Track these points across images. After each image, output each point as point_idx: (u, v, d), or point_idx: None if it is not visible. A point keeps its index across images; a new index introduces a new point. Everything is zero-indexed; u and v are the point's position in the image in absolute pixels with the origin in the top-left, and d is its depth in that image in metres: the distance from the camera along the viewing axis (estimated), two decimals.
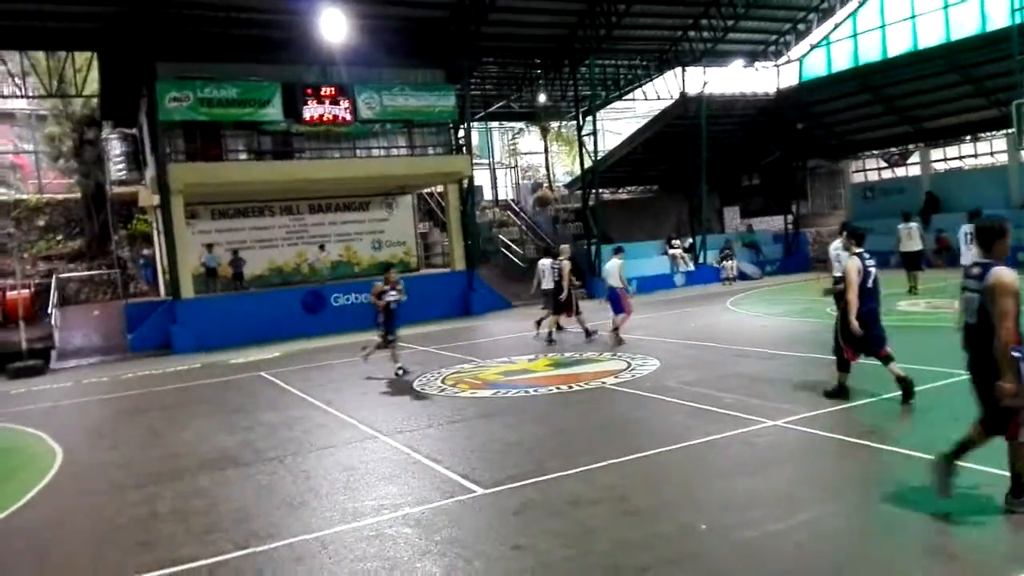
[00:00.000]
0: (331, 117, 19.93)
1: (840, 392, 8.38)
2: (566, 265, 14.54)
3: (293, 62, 19.84)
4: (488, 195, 33.29)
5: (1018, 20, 19.06)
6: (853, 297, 7.77)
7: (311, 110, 19.66)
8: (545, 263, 15.26)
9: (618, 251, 14.70)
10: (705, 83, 25.68)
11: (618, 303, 14.10)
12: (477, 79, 26.23)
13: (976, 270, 4.99)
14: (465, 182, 22.53)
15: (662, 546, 4.96)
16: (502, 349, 14.58)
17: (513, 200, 32.65)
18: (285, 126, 19.89)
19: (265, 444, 8.46)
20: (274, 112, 19.34)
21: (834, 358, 8.47)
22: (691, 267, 26.26)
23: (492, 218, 29.56)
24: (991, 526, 4.89)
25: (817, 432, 7.21)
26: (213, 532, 5.81)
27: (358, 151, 21.47)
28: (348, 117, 20.11)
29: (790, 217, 28.85)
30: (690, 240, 27.34)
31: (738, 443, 7.11)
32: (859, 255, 7.97)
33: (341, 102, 19.98)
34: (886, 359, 8.08)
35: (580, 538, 5.14)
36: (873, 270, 7.98)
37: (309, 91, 19.69)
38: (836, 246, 11.56)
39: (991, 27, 21.22)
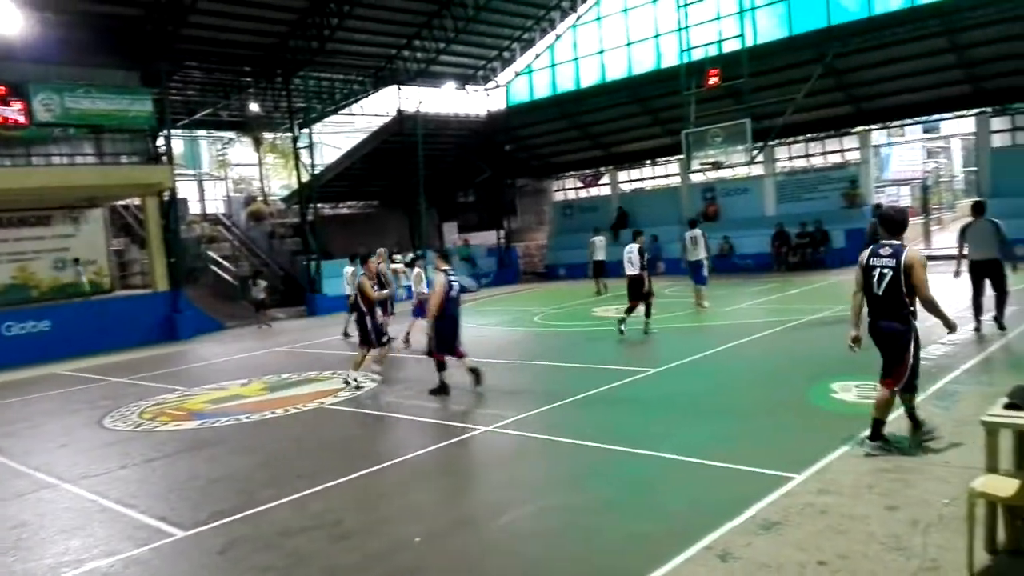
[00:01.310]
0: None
1: (441, 389, 9.68)
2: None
3: None
4: (195, 209, 31.01)
5: (686, 60, 22.01)
6: (435, 303, 9.40)
7: None
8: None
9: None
10: (420, 102, 26.33)
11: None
12: (179, 84, 24.36)
13: (887, 251, 6.00)
14: (167, 194, 20.73)
15: (375, 566, 4.93)
16: (212, 375, 13.61)
17: (224, 214, 30.73)
18: None
19: None
20: None
21: (541, 363, 9.12)
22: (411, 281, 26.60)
23: (200, 233, 27.53)
24: (670, 506, 5.53)
25: (525, 434, 7.67)
26: None
27: (34, 158, 18.85)
28: (21, 120, 17.60)
29: (502, 232, 30.56)
30: (411, 255, 27.72)
31: (453, 452, 7.33)
32: (445, 271, 9.58)
33: (12, 103, 17.44)
34: (461, 356, 9.74)
35: (289, 569, 4.94)
36: (456, 284, 9.64)
37: None
38: (630, 249, 13.75)
39: (665, 64, 24.30)
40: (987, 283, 10.78)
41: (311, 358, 14.43)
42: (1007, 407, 4.36)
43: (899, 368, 6.05)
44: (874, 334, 6.16)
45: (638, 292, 13.56)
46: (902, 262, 5.88)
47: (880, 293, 6.00)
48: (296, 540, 5.41)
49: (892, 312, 5.99)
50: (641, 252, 13.66)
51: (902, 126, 26.15)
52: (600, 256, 21.42)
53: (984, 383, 7.82)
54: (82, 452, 8.67)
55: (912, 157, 30.40)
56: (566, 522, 5.46)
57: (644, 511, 5.49)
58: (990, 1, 18.36)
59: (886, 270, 5.95)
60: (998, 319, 10.70)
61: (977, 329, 10.70)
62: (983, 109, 21.66)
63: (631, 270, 13.63)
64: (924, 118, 24.23)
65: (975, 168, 24.86)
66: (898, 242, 6.07)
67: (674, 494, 5.80)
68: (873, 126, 24.14)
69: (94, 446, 8.90)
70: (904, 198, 29.74)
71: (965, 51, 20.25)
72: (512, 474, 6.74)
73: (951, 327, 6.16)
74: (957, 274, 11.04)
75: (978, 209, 11.08)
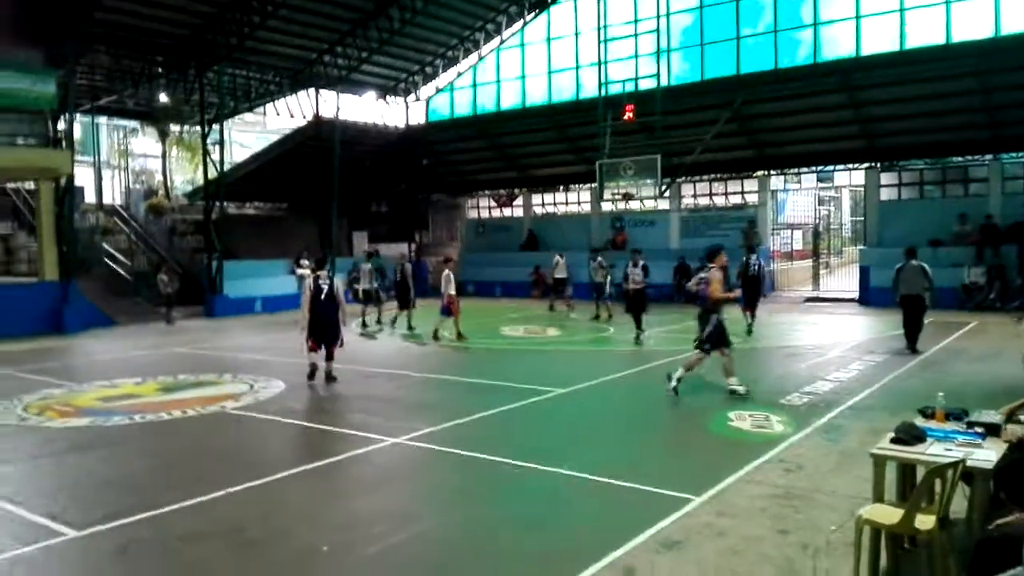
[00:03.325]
0: None
1: (310, 375, 11.06)
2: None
3: None
4: (91, 198, 29.48)
5: (605, 93, 22.69)
6: (305, 303, 10.99)
7: None
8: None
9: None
10: (339, 109, 26.06)
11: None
12: (86, 67, 23.24)
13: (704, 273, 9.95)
14: (63, 180, 19.69)
15: (281, 575, 4.86)
16: (103, 371, 12.94)
17: (122, 206, 29.32)
18: None
19: None
20: None
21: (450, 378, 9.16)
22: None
23: (95, 223, 26.18)
24: (574, 524, 5.70)
25: (434, 447, 7.70)
26: None
27: None
28: None
29: (413, 245, 30.46)
30: (314, 259, 27.25)
31: (360, 462, 7.28)
32: (316, 278, 11.20)
33: None
34: (328, 358, 11.22)
35: None
36: (325, 287, 11.05)
37: None
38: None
39: (584, 95, 24.95)
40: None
41: (210, 360, 13.97)
42: (894, 441, 4.74)
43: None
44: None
45: (638, 305, 15.74)
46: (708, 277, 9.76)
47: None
48: (197, 546, 5.26)
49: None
50: (644, 270, 16.13)
51: (799, 173, 27.74)
52: (562, 274, 21.68)
53: (866, 418, 8.38)
54: None
55: (806, 203, 32.19)
56: (471, 535, 5.54)
57: (549, 527, 5.62)
58: (887, 64, 19.85)
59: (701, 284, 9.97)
60: (914, 341, 12.82)
61: (911, 349, 12.78)
62: (873, 164, 23.27)
63: (631, 285, 15.92)
64: (820, 167, 25.81)
65: (863, 218, 26.61)
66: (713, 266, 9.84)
67: (579, 511, 5.96)
68: (772, 171, 25.51)
69: None
70: (796, 241, 31.43)
71: (861, 108, 21.77)
72: (419, 486, 6.77)
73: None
74: (898, 302, 13.11)
75: (911, 254, 12.84)
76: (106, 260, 23.76)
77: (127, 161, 32.30)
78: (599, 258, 19.66)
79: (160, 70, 24.10)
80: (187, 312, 22.36)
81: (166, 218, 27.49)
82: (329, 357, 11.27)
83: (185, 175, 32.98)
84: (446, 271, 16.09)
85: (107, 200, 30.35)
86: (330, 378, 11.16)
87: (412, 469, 7.26)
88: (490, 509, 6.06)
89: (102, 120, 31.20)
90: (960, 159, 22.25)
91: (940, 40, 19.25)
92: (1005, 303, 18.40)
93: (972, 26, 18.91)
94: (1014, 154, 21.19)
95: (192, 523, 5.68)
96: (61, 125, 19.96)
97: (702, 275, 10.10)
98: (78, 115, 25.40)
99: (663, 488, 6.19)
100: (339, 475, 6.95)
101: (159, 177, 31.77)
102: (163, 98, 27.48)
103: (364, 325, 18.79)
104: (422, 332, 17.09)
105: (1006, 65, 18.71)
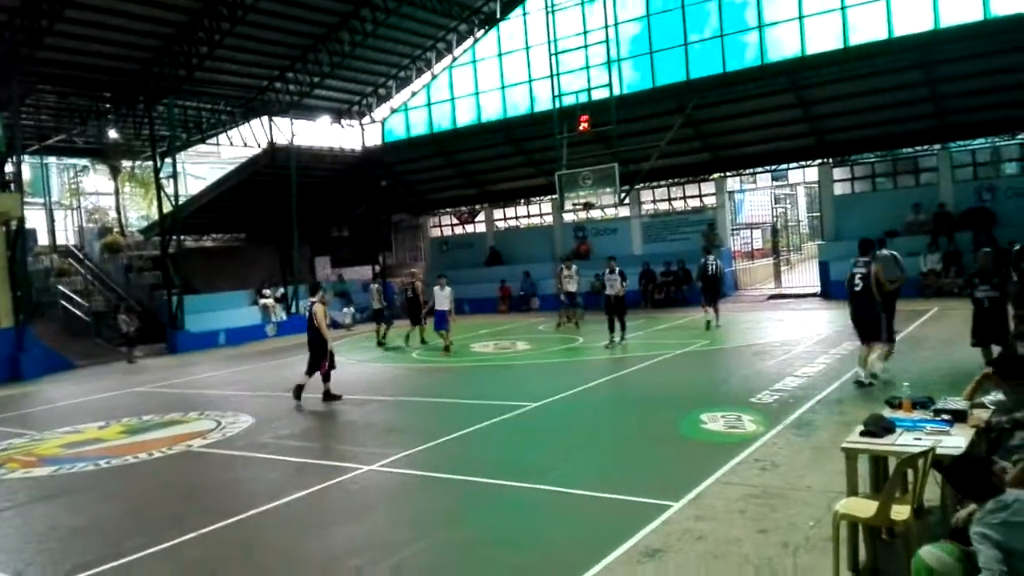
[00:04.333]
0: None
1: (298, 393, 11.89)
2: None
3: None
4: (44, 240, 28.84)
5: (559, 105, 22.83)
6: (324, 328, 11.99)
7: None
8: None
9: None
10: (293, 135, 25.87)
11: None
12: (31, 108, 22.79)
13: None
14: (14, 224, 19.23)
15: None
16: (65, 417, 12.60)
17: (76, 246, 28.72)
18: None
19: None
20: None
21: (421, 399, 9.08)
22: (283, 316, 25.90)
23: (50, 266, 25.61)
24: (554, 539, 5.65)
25: (409, 471, 7.62)
26: None
27: None
28: None
29: (378, 267, 30.27)
30: (282, 289, 26.98)
31: (335, 493, 7.16)
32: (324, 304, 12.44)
33: None
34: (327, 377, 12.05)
35: None
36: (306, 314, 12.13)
37: None
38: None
39: (539, 108, 25.07)
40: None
41: (174, 398, 13.70)
42: (863, 434, 4.80)
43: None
44: None
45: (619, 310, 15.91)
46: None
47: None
48: None
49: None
50: (622, 275, 16.05)
51: (754, 173, 28.13)
52: (572, 287, 19.92)
53: (836, 412, 8.49)
54: None
55: (762, 202, 32.68)
56: (454, 559, 5.47)
57: (530, 544, 5.58)
58: (832, 61, 20.29)
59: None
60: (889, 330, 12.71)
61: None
62: (825, 160, 23.70)
63: (611, 291, 15.93)
64: (773, 167, 26.21)
65: (818, 213, 27.07)
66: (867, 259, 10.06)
67: (559, 526, 5.93)
68: (728, 173, 25.85)
69: None
70: (756, 240, 31.89)
71: (810, 107, 22.18)
72: (397, 513, 6.67)
73: None
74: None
75: (881, 243, 13.08)
76: (62, 302, 23.23)
77: (79, 200, 31.65)
78: (574, 266, 19.60)
79: (108, 106, 23.73)
80: (149, 350, 21.94)
81: (122, 255, 26.97)
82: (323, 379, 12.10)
83: (139, 211, 32.42)
84: (448, 289, 17.37)
85: (60, 241, 29.74)
86: (296, 392, 12.05)
87: (388, 496, 7.16)
88: (468, 531, 6.00)
89: (51, 160, 30.58)
90: (910, 150, 22.74)
91: (883, 35, 19.71)
92: (963, 289, 18.80)
93: (913, 20, 19.37)
94: (961, 142, 21.73)
95: (164, 569, 5.55)
96: (9, 168, 19.51)
97: (860, 270, 10.04)
98: (26, 156, 24.91)
99: (640, 496, 6.20)
100: (314, 508, 6.83)
101: (113, 214, 31.17)
102: (113, 134, 27.05)
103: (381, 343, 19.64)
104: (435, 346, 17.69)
105: (948, 56, 19.20)
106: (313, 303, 12.51)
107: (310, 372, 12.20)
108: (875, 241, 12.84)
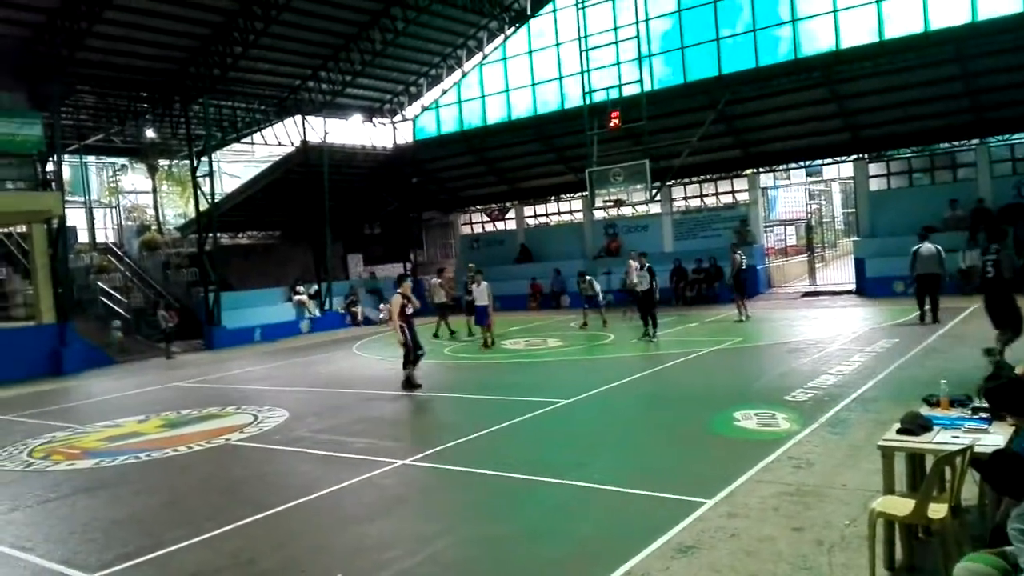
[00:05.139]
0: None
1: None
2: None
3: None
4: (84, 237, 29.49)
5: (589, 102, 22.78)
6: (396, 318, 11.92)
7: None
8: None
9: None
10: (326, 133, 26.14)
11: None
12: (70, 108, 23.32)
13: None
14: (55, 222, 19.70)
15: None
16: (106, 411, 12.92)
17: (115, 243, 29.34)
18: None
19: None
20: None
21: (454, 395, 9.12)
22: (317, 313, 26.21)
23: (89, 263, 26.17)
24: (587, 535, 5.68)
25: (442, 466, 7.69)
26: None
27: None
28: None
29: (409, 265, 30.46)
30: (316, 287, 27.31)
31: (368, 487, 7.25)
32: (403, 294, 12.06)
33: None
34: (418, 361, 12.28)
35: None
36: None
37: None
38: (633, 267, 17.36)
39: (569, 105, 25.05)
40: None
41: (212, 393, 13.95)
42: (900, 432, 4.75)
43: None
44: None
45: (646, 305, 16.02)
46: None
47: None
48: None
49: None
50: (650, 271, 16.15)
51: (787, 170, 27.82)
52: (589, 293, 19.49)
53: (872, 411, 8.38)
54: None
55: (796, 198, 32.29)
56: (486, 553, 5.51)
57: (563, 539, 5.60)
58: (867, 55, 19.98)
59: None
60: (934, 314, 14.48)
61: (922, 318, 14.58)
62: (861, 155, 23.36)
63: (640, 287, 16.24)
64: (807, 162, 25.90)
65: (854, 209, 26.69)
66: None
67: (592, 522, 5.95)
68: (761, 169, 25.59)
69: None
70: (790, 237, 31.52)
71: (844, 101, 21.87)
72: (429, 507, 6.74)
73: None
74: (910, 284, 15.18)
75: (924, 236, 14.33)
76: (102, 299, 23.73)
77: (118, 198, 32.30)
78: (588, 277, 19.53)
79: (146, 106, 24.17)
80: (186, 346, 22.36)
81: (160, 253, 27.48)
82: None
83: (176, 209, 33.03)
84: (484, 284, 17.37)
85: (100, 238, 30.36)
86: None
87: (421, 490, 7.23)
88: (502, 525, 6.04)
89: (91, 159, 31.25)
90: (947, 145, 22.34)
91: (919, 29, 19.38)
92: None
93: (949, 13, 19.04)
94: (1000, 137, 21.29)
95: (204, 559, 5.66)
96: (50, 167, 20.00)
97: (990, 257, 10.11)
98: (66, 156, 25.48)
99: (673, 493, 6.19)
100: (349, 501, 6.92)
101: (151, 212, 31.79)
102: (150, 133, 27.58)
103: (451, 333, 19.83)
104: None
105: (985, 49, 18.83)
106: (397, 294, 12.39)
107: (405, 364, 12.20)
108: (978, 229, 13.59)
